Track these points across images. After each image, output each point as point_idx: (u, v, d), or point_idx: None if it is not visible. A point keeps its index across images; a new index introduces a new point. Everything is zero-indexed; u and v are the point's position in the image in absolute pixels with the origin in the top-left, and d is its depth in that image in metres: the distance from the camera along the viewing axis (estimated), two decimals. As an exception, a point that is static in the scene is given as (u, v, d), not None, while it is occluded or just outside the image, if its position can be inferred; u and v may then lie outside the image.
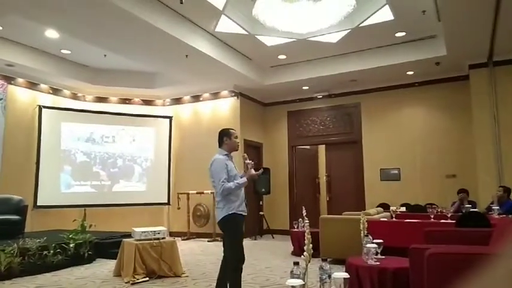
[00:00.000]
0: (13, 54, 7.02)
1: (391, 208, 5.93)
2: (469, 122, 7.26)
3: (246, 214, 3.42)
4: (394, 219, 5.58)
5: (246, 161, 3.52)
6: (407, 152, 8.15)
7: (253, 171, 3.39)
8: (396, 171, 8.25)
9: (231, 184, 3.29)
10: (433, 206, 5.66)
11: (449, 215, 5.30)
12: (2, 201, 6.42)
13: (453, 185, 7.20)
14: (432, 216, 5.28)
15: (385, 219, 5.60)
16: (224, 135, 3.55)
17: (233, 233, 3.32)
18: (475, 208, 6.03)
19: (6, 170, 7.29)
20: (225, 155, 3.48)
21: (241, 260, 3.28)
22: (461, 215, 4.54)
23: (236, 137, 3.58)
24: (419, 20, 6.20)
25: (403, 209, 6.70)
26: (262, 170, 3.44)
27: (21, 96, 7.82)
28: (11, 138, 7.49)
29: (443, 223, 5.03)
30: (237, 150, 3.62)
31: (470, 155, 7.26)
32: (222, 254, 3.46)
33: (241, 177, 3.43)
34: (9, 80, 7.55)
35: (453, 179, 7.56)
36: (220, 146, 3.56)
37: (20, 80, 7.74)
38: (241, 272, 3.27)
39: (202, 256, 6.32)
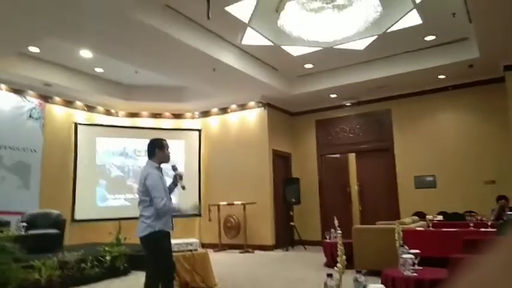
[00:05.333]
0: (50, 75, 7.37)
1: (427, 217, 5.76)
2: (506, 125, 6.95)
3: (171, 231, 3.33)
4: (430, 228, 5.40)
5: (176, 172, 3.42)
6: (443, 158, 7.88)
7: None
8: (431, 178, 7.98)
9: (174, 207, 3.20)
10: (472, 213, 5.44)
11: (489, 223, 5.07)
12: (41, 216, 6.68)
13: (493, 191, 6.88)
14: (471, 225, 5.07)
15: (422, 229, 5.42)
16: (156, 146, 3.36)
17: (159, 250, 3.21)
18: (518, 215, 5.74)
19: (45, 185, 7.61)
20: (156, 167, 3.33)
21: (173, 267, 3.27)
22: (503, 222, 4.33)
23: (168, 148, 3.42)
24: (449, 23, 6.04)
25: (440, 217, 6.47)
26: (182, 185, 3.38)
27: (58, 114, 8.18)
28: (49, 155, 7.82)
29: (484, 231, 4.81)
30: (168, 162, 3.45)
31: (509, 159, 6.94)
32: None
33: (172, 189, 3.46)
34: (47, 99, 7.92)
35: (492, 185, 7.23)
36: (150, 157, 3.37)
37: (57, 99, 8.11)
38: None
39: (234, 267, 6.32)
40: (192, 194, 9.18)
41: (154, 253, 3.25)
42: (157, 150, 3.36)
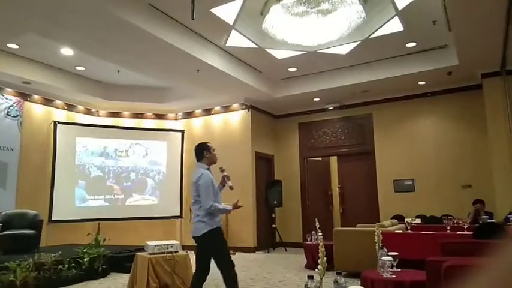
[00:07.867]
0: (29, 72, 7.19)
1: (406, 220, 5.84)
2: (483, 131, 7.15)
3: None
4: (409, 231, 5.49)
5: (223, 174, 3.57)
6: (422, 162, 8.05)
7: (239, 203, 3.55)
8: (410, 182, 8.14)
9: (220, 206, 3.39)
10: (449, 217, 5.56)
11: (465, 227, 5.20)
12: (17, 216, 6.52)
13: (469, 195, 7.07)
14: (448, 228, 5.18)
15: (400, 231, 5.51)
16: (204, 149, 3.55)
17: (219, 245, 3.43)
18: (492, 219, 5.91)
19: (22, 185, 7.42)
20: (207, 169, 3.50)
21: (233, 266, 3.41)
22: (478, 226, 4.45)
23: (214, 150, 3.61)
24: (430, 30, 6.19)
25: (418, 220, 6.60)
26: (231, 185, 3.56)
27: (37, 112, 7.99)
28: (27, 153, 7.63)
29: (460, 235, 4.93)
30: (215, 163, 3.64)
31: (485, 164, 7.14)
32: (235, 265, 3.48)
33: (220, 189, 3.63)
34: (25, 97, 7.73)
35: (469, 189, 7.43)
36: (199, 159, 3.54)
37: (36, 97, 7.92)
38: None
39: (215, 269, 6.26)
40: (174, 195, 9.11)
41: (216, 249, 3.43)
42: (205, 152, 3.54)
